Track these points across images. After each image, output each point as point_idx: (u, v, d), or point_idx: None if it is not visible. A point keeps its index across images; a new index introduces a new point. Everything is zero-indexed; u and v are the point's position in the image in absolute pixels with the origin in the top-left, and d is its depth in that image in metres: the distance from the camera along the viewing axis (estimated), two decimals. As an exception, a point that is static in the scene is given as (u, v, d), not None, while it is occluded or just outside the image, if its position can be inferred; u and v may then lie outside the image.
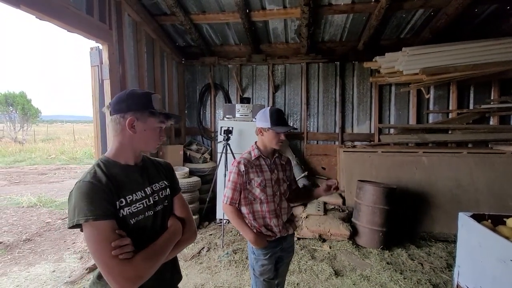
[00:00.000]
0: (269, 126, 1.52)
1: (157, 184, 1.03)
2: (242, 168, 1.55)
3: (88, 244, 0.81)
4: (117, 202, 0.88)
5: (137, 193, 0.94)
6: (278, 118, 1.53)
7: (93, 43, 2.86)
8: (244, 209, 1.59)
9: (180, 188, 1.17)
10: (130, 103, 0.93)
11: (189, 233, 1.06)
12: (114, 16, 3.02)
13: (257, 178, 1.55)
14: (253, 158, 1.59)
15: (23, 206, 4.98)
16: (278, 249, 1.62)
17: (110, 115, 0.95)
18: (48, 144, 15.36)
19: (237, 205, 1.58)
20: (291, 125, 1.54)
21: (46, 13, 2.15)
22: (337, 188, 1.56)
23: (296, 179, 1.84)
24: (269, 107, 1.60)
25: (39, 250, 3.31)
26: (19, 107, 16.67)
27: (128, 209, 0.90)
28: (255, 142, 1.65)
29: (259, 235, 1.55)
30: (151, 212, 0.97)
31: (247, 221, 1.58)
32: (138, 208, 0.93)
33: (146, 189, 0.98)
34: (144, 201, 0.95)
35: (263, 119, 1.56)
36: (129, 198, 0.91)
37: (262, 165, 1.60)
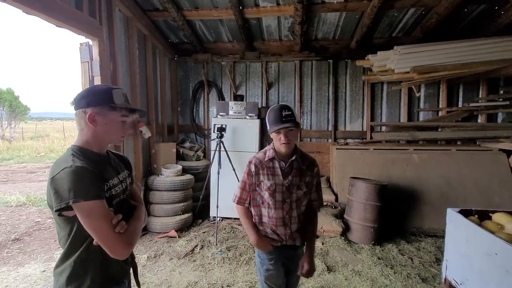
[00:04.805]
0: (268, 128, 1.42)
1: (122, 173, 1.15)
2: (253, 168, 1.47)
3: (91, 221, 0.90)
4: (105, 184, 0.99)
5: (114, 178, 1.06)
6: (274, 117, 1.38)
7: (83, 39, 2.80)
8: (252, 210, 1.53)
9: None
10: (90, 99, 0.99)
11: (145, 217, 1.23)
12: (105, 11, 2.95)
13: (267, 181, 1.44)
14: (266, 159, 1.46)
15: (12, 205, 4.87)
16: (283, 257, 1.52)
17: (75, 110, 1.01)
18: (37, 142, 15.02)
19: (247, 204, 1.52)
20: (289, 122, 1.34)
21: (33, 7, 2.08)
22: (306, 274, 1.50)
23: (321, 191, 1.58)
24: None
25: (29, 249, 3.25)
26: (6, 104, 16.24)
27: (110, 192, 1.02)
28: (272, 142, 1.51)
29: (262, 238, 1.47)
30: (124, 196, 1.12)
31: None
32: (117, 191, 1.06)
33: (118, 176, 1.11)
34: (119, 185, 1.08)
35: (267, 122, 1.45)
36: (111, 182, 1.03)
37: (275, 168, 1.45)
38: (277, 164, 1.46)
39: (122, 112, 1.03)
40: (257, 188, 1.47)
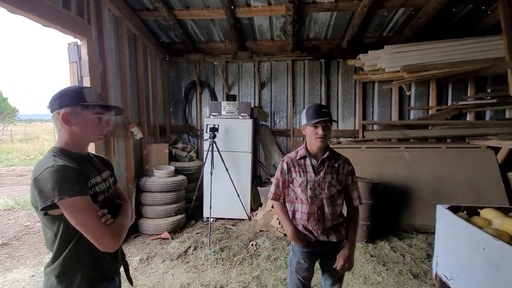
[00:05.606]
0: (306, 122, 1.51)
1: (104, 173, 1.17)
2: (285, 166, 1.57)
3: (77, 216, 0.92)
4: (88, 182, 1.01)
5: (96, 176, 1.08)
6: (313, 112, 1.48)
7: (71, 39, 2.75)
8: (287, 206, 1.63)
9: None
10: (61, 100, 1.01)
11: (132, 214, 1.25)
12: (93, 11, 2.91)
13: (299, 178, 1.53)
14: (298, 157, 1.56)
15: (0, 210, 4.75)
16: (316, 252, 1.59)
17: (50, 112, 1.03)
18: (26, 144, 14.69)
19: (281, 200, 1.62)
20: (328, 117, 1.45)
21: (18, 6, 2.03)
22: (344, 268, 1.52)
23: (356, 189, 1.62)
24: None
25: (17, 254, 3.17)
26: (-6, 106, 15.87)
27: (94, 189, 1.04)
28: (304, 142, 1.62)
29: (297, 231, 1.54)
30: (109, 194, 1.14)
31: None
32: (101, 189, 1.08)
33: (101, 174, 1.13)
34: (102, 183, 1.10)
35: (303, 117, 1.55)
36: (94, 180, 1.05)
37: (307, 165, 1.54)
38: (308, 162, 1.55)
39: (96, 109, 1.05)
40: (290, 185, 1.57)
